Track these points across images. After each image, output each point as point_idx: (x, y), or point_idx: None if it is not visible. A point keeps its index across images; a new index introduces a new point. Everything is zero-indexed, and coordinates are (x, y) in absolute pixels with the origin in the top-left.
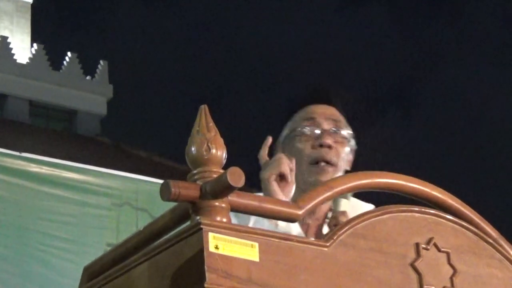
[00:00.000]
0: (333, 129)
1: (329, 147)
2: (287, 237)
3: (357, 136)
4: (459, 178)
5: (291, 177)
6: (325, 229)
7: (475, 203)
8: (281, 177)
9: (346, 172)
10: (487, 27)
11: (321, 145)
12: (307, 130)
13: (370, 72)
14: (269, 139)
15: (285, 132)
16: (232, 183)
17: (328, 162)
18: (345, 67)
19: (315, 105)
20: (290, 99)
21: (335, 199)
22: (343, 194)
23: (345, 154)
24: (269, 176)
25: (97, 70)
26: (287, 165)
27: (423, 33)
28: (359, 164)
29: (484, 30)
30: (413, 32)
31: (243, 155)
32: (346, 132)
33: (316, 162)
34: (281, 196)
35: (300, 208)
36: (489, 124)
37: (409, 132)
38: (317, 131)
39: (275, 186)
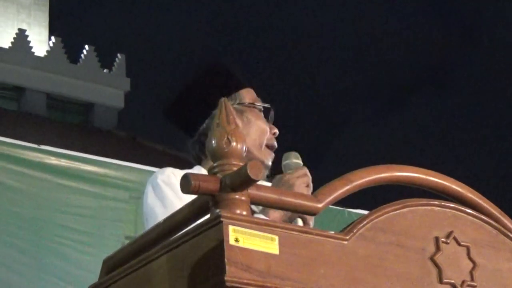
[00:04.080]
0: (271, 118)
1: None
2: (306, 230)
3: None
4: (488, 165)
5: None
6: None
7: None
8: None
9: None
10: None
11: (274, 133)
12: (262, 110)
13: (403, 52)
14: None
15: (234, 100)
16: (252, 176)
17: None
18: (377, 47)
19: (252, 90)
20: (229, 75)
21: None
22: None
23: None
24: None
25: (115, 63)
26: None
27: (457, 10)
28: (391, 145)
29: None
30: (447, 9)
31: None
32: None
33: (270, 148)
34: None
35: (319, 201)
36: None
37: (441, 112)
38: (265, 116)
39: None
